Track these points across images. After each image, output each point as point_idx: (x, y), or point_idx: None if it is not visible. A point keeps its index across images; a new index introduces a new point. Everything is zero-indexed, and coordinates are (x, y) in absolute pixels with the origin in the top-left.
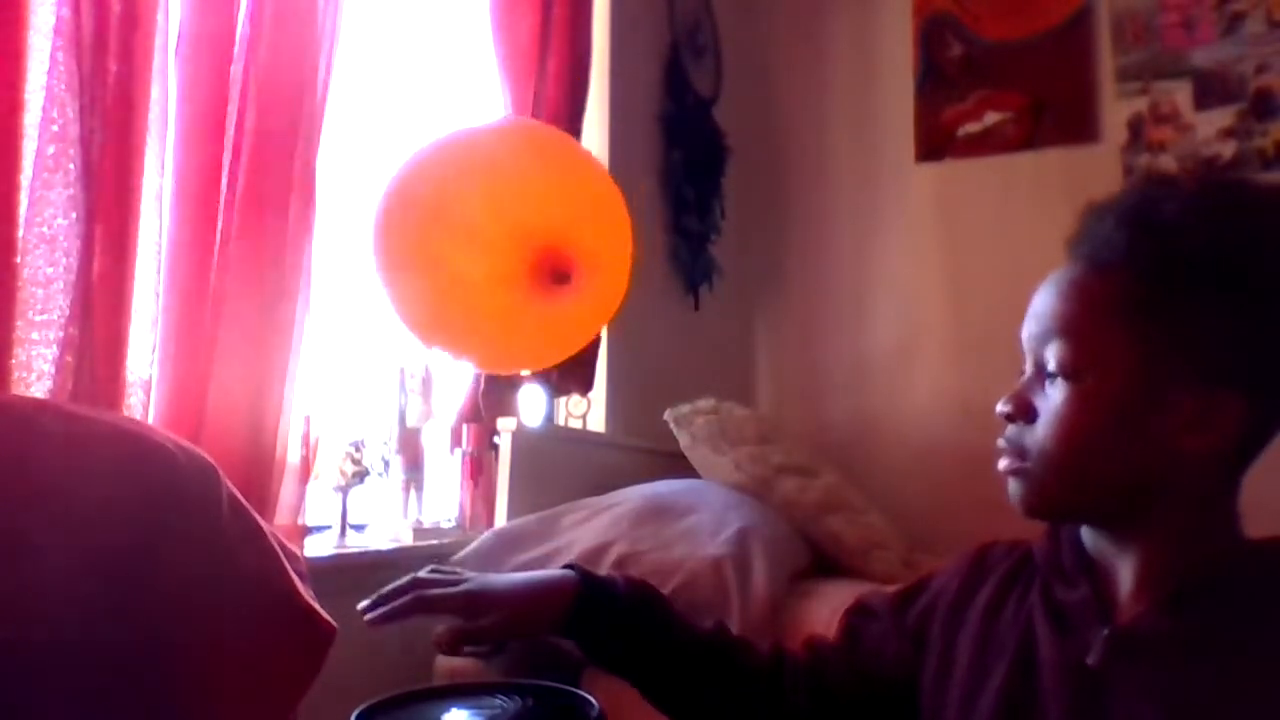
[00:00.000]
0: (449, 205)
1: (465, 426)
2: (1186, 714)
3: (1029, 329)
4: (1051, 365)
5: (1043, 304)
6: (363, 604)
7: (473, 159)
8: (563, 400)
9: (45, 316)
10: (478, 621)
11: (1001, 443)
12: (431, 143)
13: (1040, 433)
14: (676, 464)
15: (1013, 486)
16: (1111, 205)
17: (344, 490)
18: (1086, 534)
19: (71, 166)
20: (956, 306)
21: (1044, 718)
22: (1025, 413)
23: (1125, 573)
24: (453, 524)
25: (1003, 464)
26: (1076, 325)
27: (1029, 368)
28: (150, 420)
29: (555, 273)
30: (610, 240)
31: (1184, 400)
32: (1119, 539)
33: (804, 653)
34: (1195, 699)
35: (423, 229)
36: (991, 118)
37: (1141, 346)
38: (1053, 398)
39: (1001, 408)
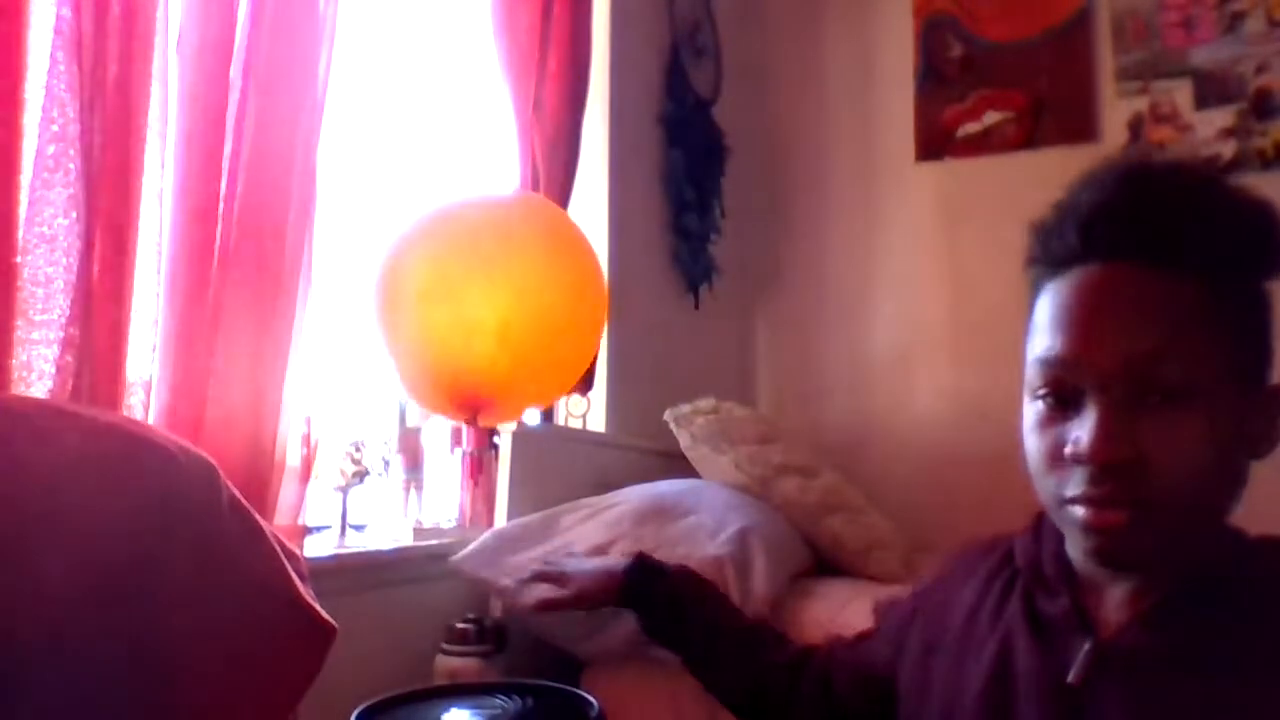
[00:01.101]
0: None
1: (465, 426)
2: None
3: (1105, 352)
4: (1157, 390)
5: (1109, 320)
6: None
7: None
8: (563, 400)
9: (45, 316)
10: (560, 594)
11: (1092, 492)
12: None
13: (1166, 476)
14: (676, 464)
15: (1115, 540)
16: (1152, 195)
17: (344, 490)
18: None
19: (71, 166)
20: (956, 306)
21: None
22: (1138, 457)
23: (1116, 588)
24: (453, 524)
25: (1110, 518)
26: (1177, 339)
27: (1106, 397)
28: (150, 420)
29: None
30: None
31: (1261, 403)
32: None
33: (823, 651)
34: (1176, 715)
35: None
36: (991, 118)
37: (1235, 353)
38: (1166, 431)
39: (1106, 455)
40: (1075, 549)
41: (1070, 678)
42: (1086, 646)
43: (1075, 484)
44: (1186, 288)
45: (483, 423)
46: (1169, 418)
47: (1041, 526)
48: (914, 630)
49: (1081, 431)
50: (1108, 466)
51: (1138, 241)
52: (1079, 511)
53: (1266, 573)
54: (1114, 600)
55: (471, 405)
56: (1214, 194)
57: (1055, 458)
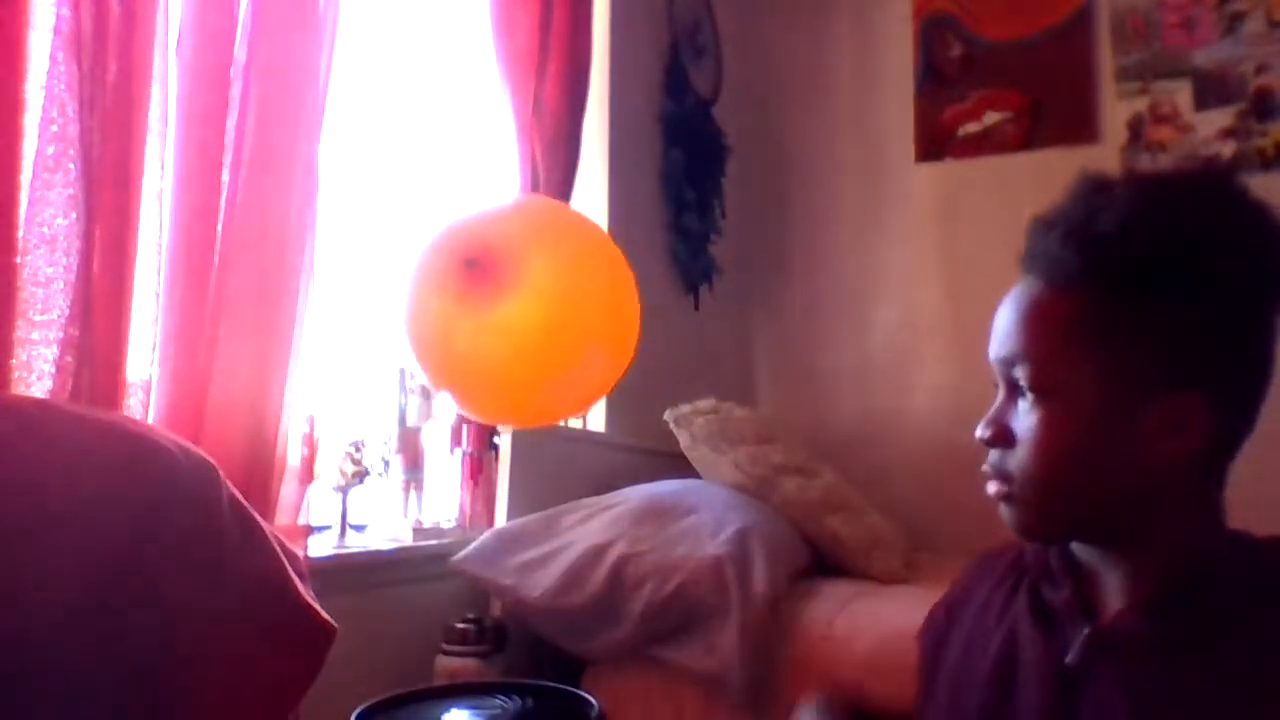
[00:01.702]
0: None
1: (465, 426)
2: (1158, 714)
3: (995, 351)
4: (1024, 387)
5: (1005, 326)
6: None
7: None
8: None
9: (45, 316)
10: None
11: (986, 468)
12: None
13: (1021, 456)
14: (676, 464)
15: (1004, 511)
16: (1055, 219)
17: (344, 490)
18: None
19: (71, 166)
20: (956, 306)
21: (1023, 715)
22: (1004, 438)
23: (1111, 576)
24: (453, 524)
25: (990, 489)
26: (1043, 346)
27: (1001, 389)
28: (150, 420)
29: (467, 260)
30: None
31: (1154, 407)
32: (1106, 548)
33: None
34: (1167, 699)
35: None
36: (991, 118)
37: (1107, 361)
38: (1028, 420)
39: (980, 433)
40: None
41: (1069, 660)
42: (1085, 631)
43: None
44: (1065, 302)
45: None
46: (1032, 409)
47: None
48: (929, 641)
49: None
50: (984, 442)
51: (1030, 259)
52: (988, 487)
53: (1258, 568)
54: (1112, 590)
55: None
56: (1112, 214)
57: None
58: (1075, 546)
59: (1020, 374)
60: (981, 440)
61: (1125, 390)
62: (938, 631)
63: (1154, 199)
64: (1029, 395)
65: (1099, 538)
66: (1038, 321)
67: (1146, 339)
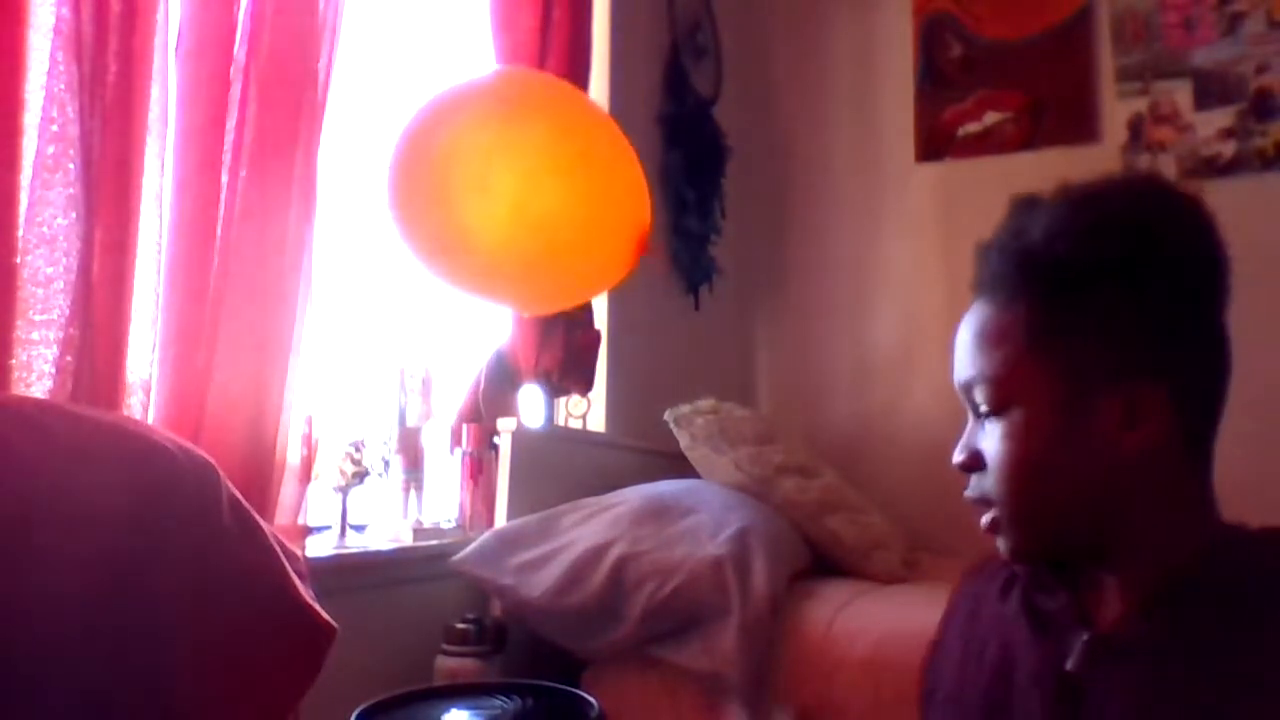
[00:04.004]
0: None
1: (465, 426)
2: (1160, 716)
3: (956, 377)
4: (983, 408)
5: (961, 351)
6: None
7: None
8: (563, 400)
9: (45, 316)
10: None
11: (969, 494)
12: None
13: (993, 477)
14: (676, 464)
15: (998, 543)
16: (992, 240)
17: (344, 490)
18: None
19: (71, 166)
20: (956, 306)
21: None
22: (976, 461)
23: (1106, 581)
24: (453, 524)
25: (983, 521)
26: (993, 363)
27: (969, 415)
28: (150, 420)
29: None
30: (631, 185)
31: (1108, 403)
32: (1100, 558)
33: None
34: (1169, 701)
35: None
36: (991, 118)
37: (1052, 366)
38: (993, 439)
39: (956, 459)
40: None
41: (1069, 666)
42: (1085, 637)
43: None
44: (1009, 316)
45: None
46: (996, 428)
47: None
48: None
49: None
50: (960, 468)
51: (977, 281)
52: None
53: (1254, 563)
54: (1108, 595)
55: None
56: (1039, 223)
57: None
58: None
59: (979, 396)
60: (958, 466)
61: (1076, 390)
62: (935, 658)
63: (1076, 203)
64: (990, 415)
65: (1089, 553)
66: (986, 340)
67: (1087, 336)
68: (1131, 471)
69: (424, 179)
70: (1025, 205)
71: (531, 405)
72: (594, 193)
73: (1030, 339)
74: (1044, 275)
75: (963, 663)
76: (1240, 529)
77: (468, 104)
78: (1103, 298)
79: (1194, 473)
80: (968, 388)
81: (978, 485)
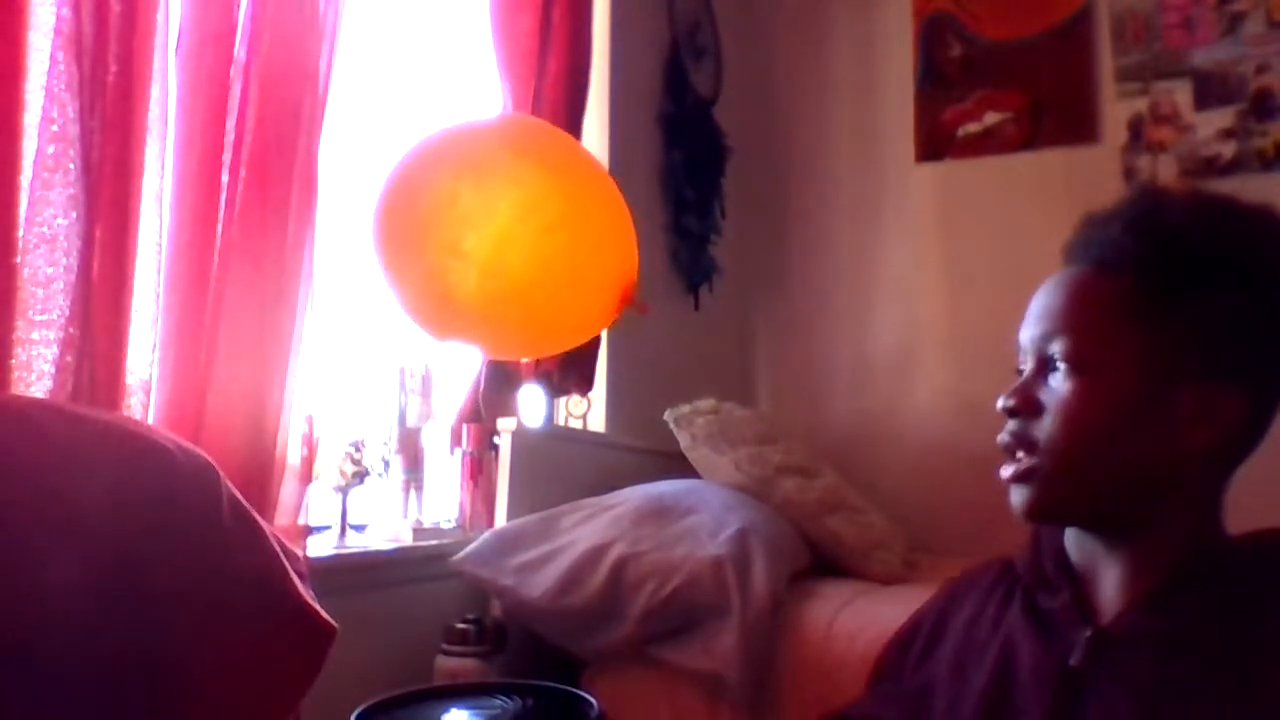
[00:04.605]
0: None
1: (465, 426)
2: (1163, 710)
3: (1032, 329)
4: (1059, 360)
5: (1047, 303)
6: None
7: (487, 166)
8: (563, 400)
9: (45, 316)
10: None
11: (1005, 438)
12: (435, 139)
13: (1049, 425)
14: (676, 464)
15: (1017, 493)
16: (1117, 212)
17: (344, 490)
18: (1071, 540)
19: (71, 166)
20: (956, 306)
21: (1025, 718)
22: (1031, 406)
23: (1109, 575)
24: (453, 524)
25: (1008, 469)
26: (1085, 322)
27: (1029, 365)
28: (150, 420)
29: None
30: (617, 241)
31: (1188, 396)
32: (1112, 540)
33: None
34: (1172, 695)
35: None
36: (991, 118)
37: (1148, 344)
38: (1060, 391)
39: (1004, 402)
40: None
41: (1072, 661)
42: (1087, 633)
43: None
44: (1114, 284)
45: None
46: (1068, 384)
47: (1039, 534)
48: (909, 660)
49: None
50: (1007, 411)
51: (1082, 247)
52: (1003, 470)
53: (1253, 563)
54: (1109, 590)
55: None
56: (1177, 209)
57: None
58: (1071, 548)
59: (1057, 348)
60: (1004, 410)
61: (1162, 374)
62: (919, 646)
63: (1217, 206)
64: (1064, 368)
65: (1106, 524)
66: (1083, 299)
67: (1188, 328)
68: (1185, 465)
69: (402, 235)
70: (1156, 191)
71: (531, 405)
72: (573, 251)
73: (1132, 310)
74: (1168, 256)
75: (961, 666)
76: (1242, 535)
77: (452, 156)
78: (1216, 296)
79: (1226, 480)
80: (1045, 338)
81: (1022, 429)
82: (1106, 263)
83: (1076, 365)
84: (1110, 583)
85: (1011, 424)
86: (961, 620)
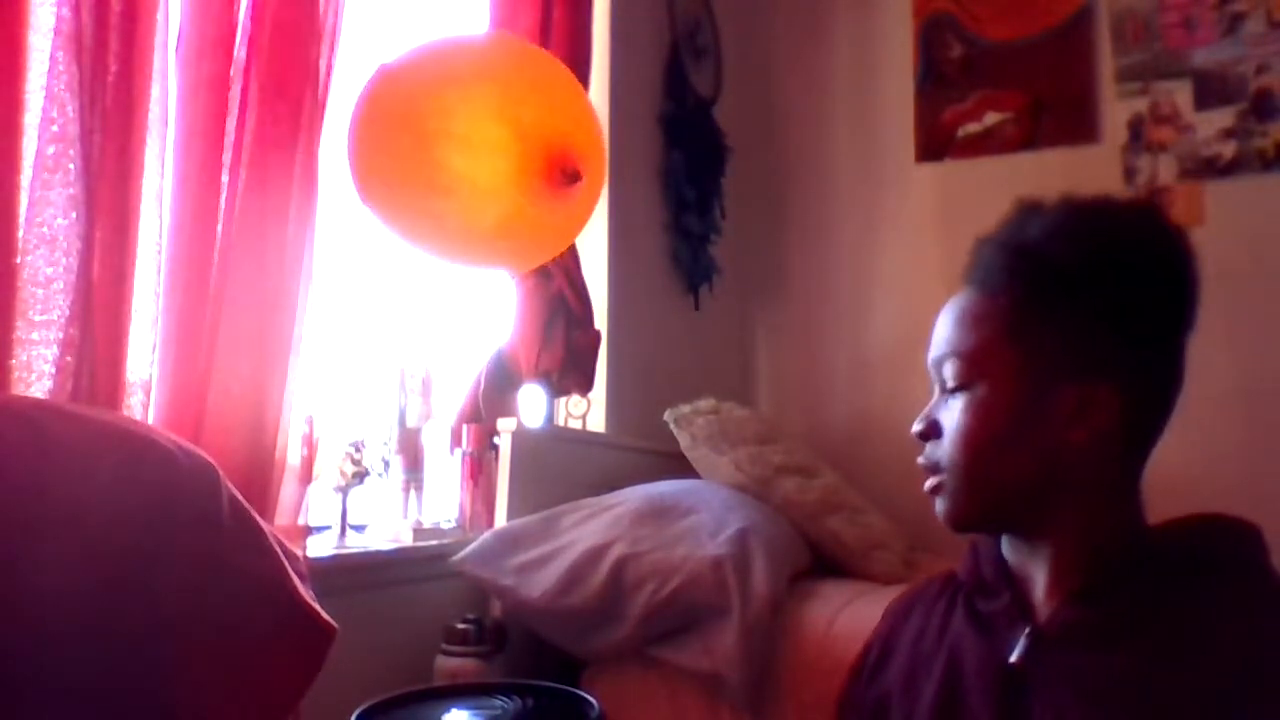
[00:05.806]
0: (439, 111)
1: (465, 427)
2: (1102, 699)
3: (931, 354)
4: (950, 383)
5: (940, 330)
6: None
7: (458, 67)
8: (563, 400)
9: (45, 316)
10: None
11: (921, 460)
12: (412, 52)
13: (947, 445)
14: (676, 464)
15: (937, 505)
16: (991, 235)
17: (344, 491)
18: (1005, 545)
19: (71, 166)
20: None
21: (974, 718)
22: (933, 430)
23: (1040, 575)
24: (453, 524)
25: (926, 485)
26: (971, 343)
27: (935, 390)
28: (150, 420)
29: (566, 172)
30: (593, 139)
31: (1064, 396)
32: (1032, 542)
33: None
34: (1109, 684)
35: (413, 138)
36: (991, 118)
37: (1022, 352)
38: (954, 411)
39: (915, 428)
40: None
41: (1012, 659)
42: (1026, 630)
43: None
44: (992, 304)
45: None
46: (958, 402)
47: (977, 542)
48: (861, 683)
49: None
50: (918, 436)
51: (969, 271)
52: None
53: (1176, 548)
54: (1042, 589)
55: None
56: (1039, 225)
57: None
58: (1007, 552)
59: (948, 371)
60: (916, 435)
61: (1038, 378)
62: (869, 669)
63: (1075, 212)
64: (954, 389)
65: (1021, 528)
66: (966, 322)
67: (1059, 334)
68: (1071, 460)
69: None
70: (1028, 207)
71: (531, 405)
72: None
73: (1008, 326)
74: (1033, 270)
75: (912, 679)
76: (1163, 525)
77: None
78: (1081, 301)
79: (1127, 472)
80: (939, 363)
81: (931, 453)
82: (986, 284)
83: (963, 385)
84: (1042, 583)
85: (925, 447)
86: (909, 635)
